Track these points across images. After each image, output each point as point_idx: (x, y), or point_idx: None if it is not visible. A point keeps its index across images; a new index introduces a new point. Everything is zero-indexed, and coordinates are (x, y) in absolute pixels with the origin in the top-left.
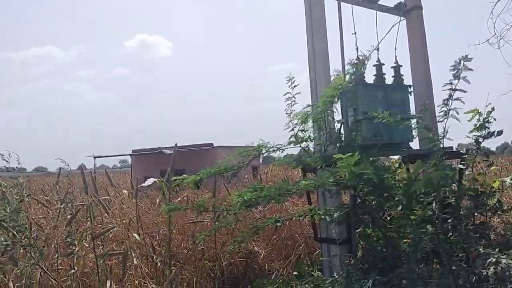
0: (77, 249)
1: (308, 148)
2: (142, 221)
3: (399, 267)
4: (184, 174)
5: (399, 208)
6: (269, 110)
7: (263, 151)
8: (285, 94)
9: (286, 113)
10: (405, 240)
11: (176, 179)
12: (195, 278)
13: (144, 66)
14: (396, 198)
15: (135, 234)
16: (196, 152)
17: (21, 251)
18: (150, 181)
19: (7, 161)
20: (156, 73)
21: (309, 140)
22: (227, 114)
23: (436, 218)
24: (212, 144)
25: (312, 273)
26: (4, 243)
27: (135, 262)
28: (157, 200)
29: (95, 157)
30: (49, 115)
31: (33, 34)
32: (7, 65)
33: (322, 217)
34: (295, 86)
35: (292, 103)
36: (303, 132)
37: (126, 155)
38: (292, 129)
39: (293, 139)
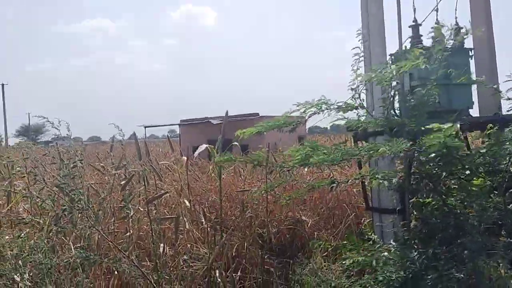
0: (131, 214)
1: (367, 112)
2: (192, 188)
3: (461, 238)
4: (230, 143)
5: (465, 176)
6: (316, 78)
7: (323, 108)
8: (353, 49)
9: (352, 70)
10: (467, 211)
11: (240, 133)
12: (244, 244)
13: (191, 36)
14: (467, 166)
15: (185, 200)
16: (242, 122)
17: (79, 215)
18: (202, 147)
19: (57, 129)
20: (203, 43)
21: (363, 104)
22: (273, 83)
23: (504, 189)
24: (258, 114)
25: (369, 236)
26: (62, 207)
27: (187, 227)
28: (208, 168)
29: (145, 127)
30: (101, 87)
31: (84, 7)
32: (60, 38)
33: (380, 181)
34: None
35: (359, 60)
36: (356, 98)
37: (175, 124)
38: (354, 89)
39: (351, 102)
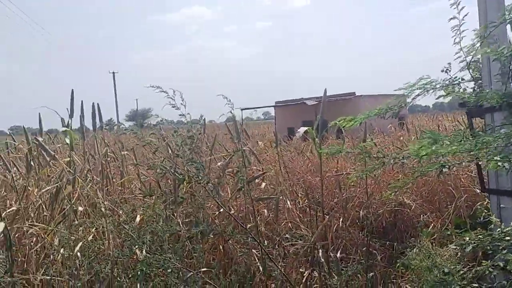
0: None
1: (478, 87)
2: (290, 169)
3: None
4: (327, 124)
5: None
6: (413, 55)
7: (428, 89)
8: (452, 19)
9: (455, 43)
10: None
11: (339, 121)
12: (344, 225)
13: (283, 18)
14: None
15: (281, 180)
16: (338, 102)
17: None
18: (302, 130)
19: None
20: (295, 24)
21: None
22: (368, 64)
23: None
24: (354, 93)
25: (489, 219)
26: (180, 176)
27: (289, 206)
28: (303, 148)
29: (242, 109)
30: (199, 72)
31: None
32: (160, 27)
33: (499, 164)
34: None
35: (459, 32)
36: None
37: (270, 106)
38: (469, 64)
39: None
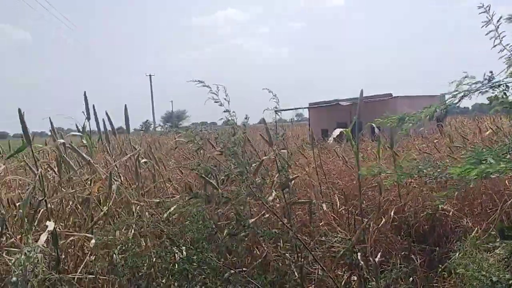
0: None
1: None
2: (325, 171)
3: None
4: (361, 126)
5: None
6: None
7: (474, 89)
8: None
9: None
10: None
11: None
12: (381, 229)
13: (317, 18)
14: None
15: (315, 182)
16: (374, 103)
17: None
18: (335, 133)
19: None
20: (330, 24)
21: None
22: (406, 62)
23: None
24: (391, 95)
25: None
26: (225, 173)
27: (324, 209)
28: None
29: (276, 111)
30: (232, 74)
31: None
32: (194, 29)
33: None
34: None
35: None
36: None
37: (304, 108)
38: None
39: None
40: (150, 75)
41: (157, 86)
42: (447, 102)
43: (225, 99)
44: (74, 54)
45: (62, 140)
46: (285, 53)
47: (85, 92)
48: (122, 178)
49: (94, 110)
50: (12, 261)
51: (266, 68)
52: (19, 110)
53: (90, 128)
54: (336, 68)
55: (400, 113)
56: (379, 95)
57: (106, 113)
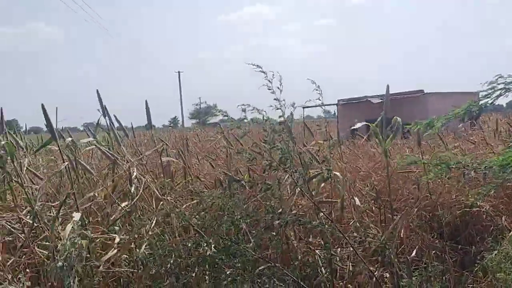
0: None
1: None
2: (353, 168)
3: None
4: (389, 122)
5: None
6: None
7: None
8: None
9: None
10: None
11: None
12: (411, 226)
13: (346, 14)
14: None
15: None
16: (404, 99)
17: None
18: (359, 124)
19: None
20: (360, 20)
21: None
22: (434, 59)
23: None
24: (422, 91)
25: None
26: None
27: (357, 203)
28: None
29: (304, 108)
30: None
31: None
32: (222, 25)
33: None
34: None
35: None
36: None
37: (333, 104)
38: None
39: None
40: (178, 72)
41: (185, 83)
42: (480, 102)
43: (278, 87)
44: (109, 50)
45: (90, 139)
46: (314, 49)
47: (97, 90)
48: (148, 174)
49: (106, 110)
50: (58, 246)
51: (295, 64)
52: (43, 106)
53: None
54: (366, 65)
55: (431, 111)
56: (410, 91)
57: (114, 116)
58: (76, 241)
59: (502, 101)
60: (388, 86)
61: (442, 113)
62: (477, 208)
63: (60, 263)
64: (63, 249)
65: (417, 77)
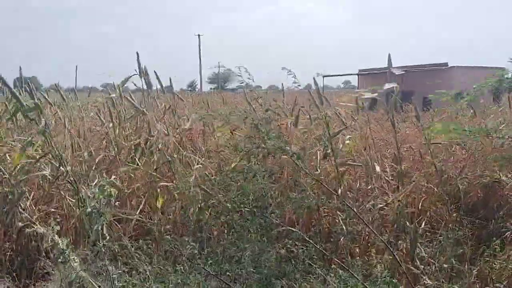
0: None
1: None
2: (375, 138)
3: None
4: (412, 96)
5: None
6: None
7: None
8: None
9: None
10: None
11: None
12: (430, 199)
13: None
14: None
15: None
16: (428, 72)
17: None
18: (368, 94)
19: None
20: None
21: None
22: (464, 30)
23: None
24: (447, 64)
25: None
26: None
27: (378, 171)
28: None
29: (323, 76)
30: (282, 36)
31: None
32: None
33: None
34: None
35: None
36: None
37: (353, 74)
38: None
39: None
40: (198, 35)
41: (206, 47)
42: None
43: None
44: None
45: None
46: (340, 16)
47: (137, 53)
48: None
49: (146, 70)
50: (88, 193)
51: (318, 32)
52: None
53: (143, 87)
54: (389, 35)
55: (456, 84)
56: (435, 64)
57: (155, 73)
58: (106, 188)
59: None
60: (389, 55)
61: (467, 86)
62: (498, 182)
63: (89, 209)
64: (92, 196)
65: (446, 49)
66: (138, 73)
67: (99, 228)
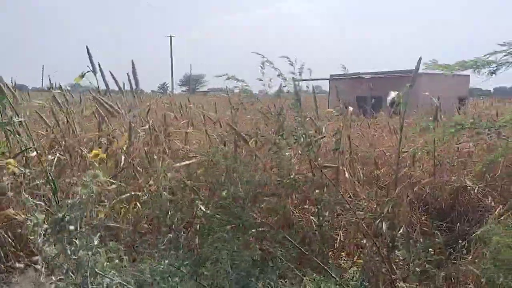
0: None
1: None
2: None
3: None
4: (381, 101)
5: None
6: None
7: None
8: None
9: None
10: None
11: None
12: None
13: None
14: None
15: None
16: (396, 79)
17: None
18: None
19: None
20: None
21: None
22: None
23: None
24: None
25: None
26: None
27: (347, 176)
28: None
29: (295, 81)
30: (270, 40)
31: None
32: None
33: None
34: None
35: None
36: None
37: (325, 79)
38: None
39: None
40: (170, 36)
41: (177, 48)
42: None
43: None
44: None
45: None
46: (318, 21)
47: (87, 46)
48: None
49: (100, 67)
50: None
51: (297, 35)
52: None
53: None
54: (362, 42)
55: (423, 91)
56: (403, 70)
57: (110, 72)
58: (88, 183)
59: (490, 86)
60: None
61: (434, 93)
62: (465, 189)
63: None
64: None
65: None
66: (92, 70)
67: (78, 227)
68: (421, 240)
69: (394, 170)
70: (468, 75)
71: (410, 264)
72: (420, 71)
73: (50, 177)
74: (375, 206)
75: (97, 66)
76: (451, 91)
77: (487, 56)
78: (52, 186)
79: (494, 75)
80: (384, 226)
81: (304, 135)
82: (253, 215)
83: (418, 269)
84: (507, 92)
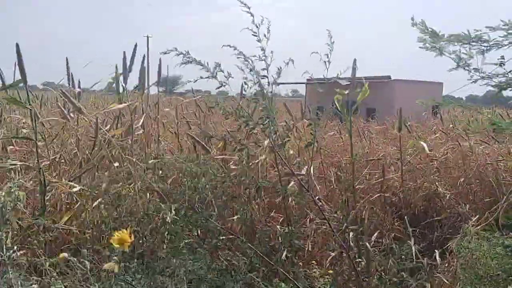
0: None
1: None
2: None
3: None
4: (355, 105)
5: None
6: None
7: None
8: None
9: None
10: None
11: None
12: (373, 209)
13: None
14: None
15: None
16: (371, 84)
17: None
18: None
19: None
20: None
21: None
22: (408, 46)
23: None
24: (389, 77)
25: None
26: None
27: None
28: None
29: (272, 84)
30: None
31: None
32: None
33: None
34: None
35: None
36: None
37: (301, 83)
38: None
39: None
40: (147, 36)
41: (155, 49)
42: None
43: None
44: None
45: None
46: (288, 24)
47: (66, 58)
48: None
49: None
50: None
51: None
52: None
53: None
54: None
55: (398, 97)
56: (377, 76)
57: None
58: (13, 191)
59: (462, 94)
60: (355, 61)
61: (408, 100)
62: (437, 196)
63: None
64: None
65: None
66: (68, 81)
67: (3, 236)
68: (394, 247)
69: (364, 176)
70: (442, 83)
71: (384, 274)
72: (398, 77)
73: None
74: (343, 214)
75: None
76: (425, 98)
77: (483, 32)
78: None
79: (484, 55)
80: (351, 234)
81: (273, 128)
82: (216, 224)
83: (395, 279)
84: (478, 100)
